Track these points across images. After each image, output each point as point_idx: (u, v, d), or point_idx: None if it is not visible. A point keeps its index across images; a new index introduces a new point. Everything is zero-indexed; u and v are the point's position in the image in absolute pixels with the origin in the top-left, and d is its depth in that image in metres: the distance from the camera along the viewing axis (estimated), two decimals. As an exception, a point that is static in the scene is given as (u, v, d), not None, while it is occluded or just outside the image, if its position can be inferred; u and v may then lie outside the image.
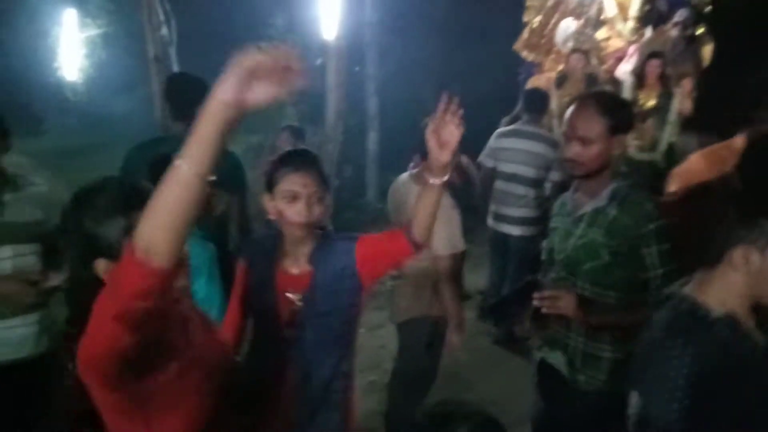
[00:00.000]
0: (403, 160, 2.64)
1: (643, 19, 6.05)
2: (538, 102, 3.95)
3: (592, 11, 6.25)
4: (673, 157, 4.76)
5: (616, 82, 5.42)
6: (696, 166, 2.51)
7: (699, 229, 1.37)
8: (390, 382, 2.76)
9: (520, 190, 3.79)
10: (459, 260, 2.44)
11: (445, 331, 2.53)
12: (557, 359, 1.88)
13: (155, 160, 2.09)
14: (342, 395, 1.67)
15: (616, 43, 6.13)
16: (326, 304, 1.60)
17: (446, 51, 8.06)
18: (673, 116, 4.62)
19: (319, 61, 6.68)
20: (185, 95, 2.57)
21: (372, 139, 7.15)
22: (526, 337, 2.18)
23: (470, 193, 4.10)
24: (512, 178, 3.80)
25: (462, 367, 3.46)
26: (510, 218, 3.86)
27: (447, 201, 2.43)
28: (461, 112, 1.43)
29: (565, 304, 1.69)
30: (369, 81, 7.13)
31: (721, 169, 2.33)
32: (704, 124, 5.27)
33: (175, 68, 5.70)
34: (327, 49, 6.38)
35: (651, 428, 1.28)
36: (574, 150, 1.74)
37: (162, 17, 5.67)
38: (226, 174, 2.43)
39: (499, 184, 3.87)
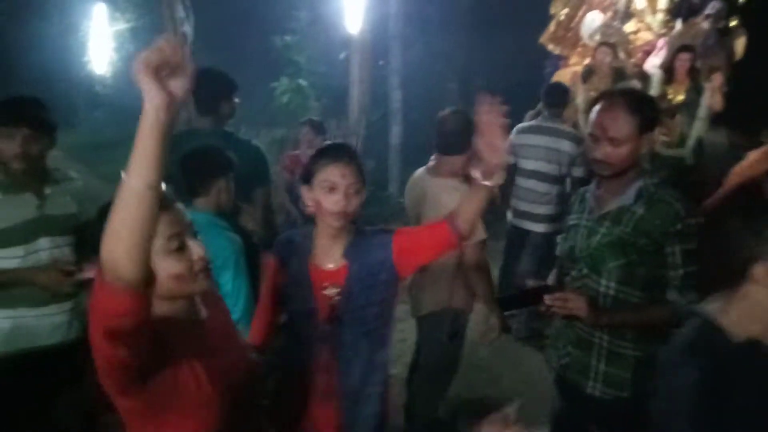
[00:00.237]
0: (425, 154, 2.63)
1: (673, 11, 5.93)
2: (558, 96, 3.89)
3: (621, 3, 6.14)
4: (702, 153, 4.67)
5: (645, 77, 5.32)
6: (757, 165, 2.48)
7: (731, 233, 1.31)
8: (410, 376, 2.78)
9: (542, 187, 3.76)
10: (482, 249, 2.44)
11: (466, 324, 2.53)
12: (574, 375, 1.88)
13: (186, 155, 2.13)
14: (380, 387, 1.69)
15: (644, 36, 6.02)
16: (363, 298, 1.61)
17: (471, 44, 8.00)
18: (702, 112, 4.52)
19: (342, 55, 6.70)
20: (210, 90, 2.60)
21: (395, 133, 7.15)
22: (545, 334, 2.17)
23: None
24: (533, 174, 3.77)
25: (483, 361, 3.47)
26: (534, 215, 3.83)
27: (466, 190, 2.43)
28: (504, 108, 1.39)
29: (576, 306, 1.68)
30: (393, 75, 7.12)
31: None
32: (735, 120, 5.16)
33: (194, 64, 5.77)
34: (351, 42, 6.39)
35: None
36: (604, 151, 1.71)
37: (183, 14, 5.74)
38: (250, 167, 2.49)
39: (521, 181, 3.83)
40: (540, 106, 4.16)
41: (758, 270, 1.16)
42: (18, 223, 1.98)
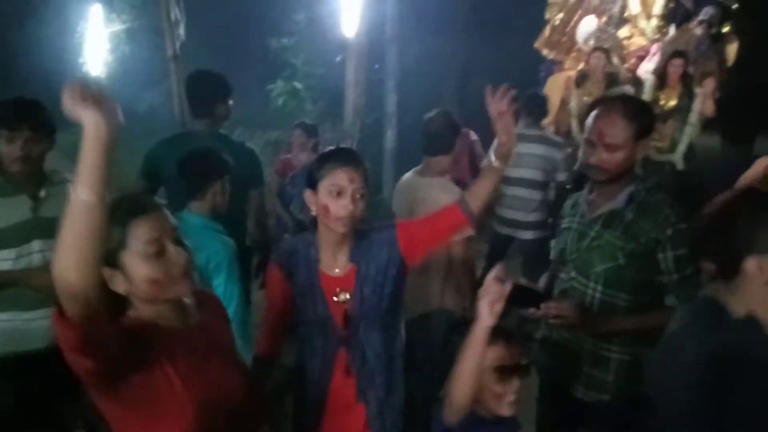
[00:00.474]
0: (420, 158, 2.66)
1: (668, 17, 5.97)
2: (537, 107, 3.95)
3: (615, 9, 6.18)
4: (693, 159, 4.70)
5: (638, 82, 5.36)
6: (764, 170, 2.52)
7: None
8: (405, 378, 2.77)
9: (528, 194, 3.79)
10: (469, 246, 2.46)
11: (459, 325, 2.53)
12: (559, 378, 1.90)
13: (184, 158, 2.14)
14: (399, 376, 1.71)
15: (638, 42, 6.06)
16: (375, 297, 1.62)
17: (466, 48, 8.03)
18: (694, 117, 4.56)
19: (338, 58, 6.70)
20: (206, 93, 2.61)
21: (390, 137, 7.16)
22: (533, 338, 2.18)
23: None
24: (520, 182, 3.78)
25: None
26: (521, 223, 3.85)
27: (454, 188, 2.45)
28: (512, 93, 1.52)
29: (569, 314, 1.70)
30: (388, 78, 7.13)
31: None
32: (727, 125, 5.19)
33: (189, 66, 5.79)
34: (347, 45, 6.40)
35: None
36: (600, 157, 1.72)
37: (178, 16, 5.75)
38: (244, 169, 2.49)
39: (506, 189, 3.84)
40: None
41: (750, 264, 1.20)
42: (11, 225, 1.97)
